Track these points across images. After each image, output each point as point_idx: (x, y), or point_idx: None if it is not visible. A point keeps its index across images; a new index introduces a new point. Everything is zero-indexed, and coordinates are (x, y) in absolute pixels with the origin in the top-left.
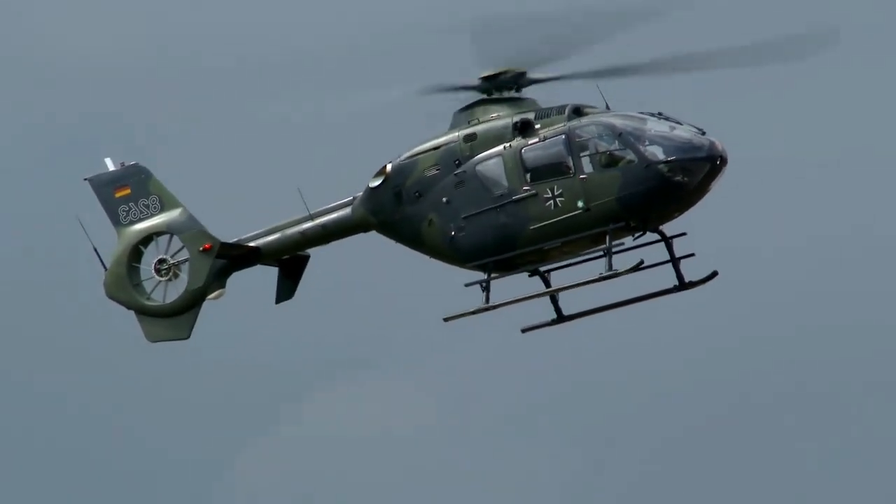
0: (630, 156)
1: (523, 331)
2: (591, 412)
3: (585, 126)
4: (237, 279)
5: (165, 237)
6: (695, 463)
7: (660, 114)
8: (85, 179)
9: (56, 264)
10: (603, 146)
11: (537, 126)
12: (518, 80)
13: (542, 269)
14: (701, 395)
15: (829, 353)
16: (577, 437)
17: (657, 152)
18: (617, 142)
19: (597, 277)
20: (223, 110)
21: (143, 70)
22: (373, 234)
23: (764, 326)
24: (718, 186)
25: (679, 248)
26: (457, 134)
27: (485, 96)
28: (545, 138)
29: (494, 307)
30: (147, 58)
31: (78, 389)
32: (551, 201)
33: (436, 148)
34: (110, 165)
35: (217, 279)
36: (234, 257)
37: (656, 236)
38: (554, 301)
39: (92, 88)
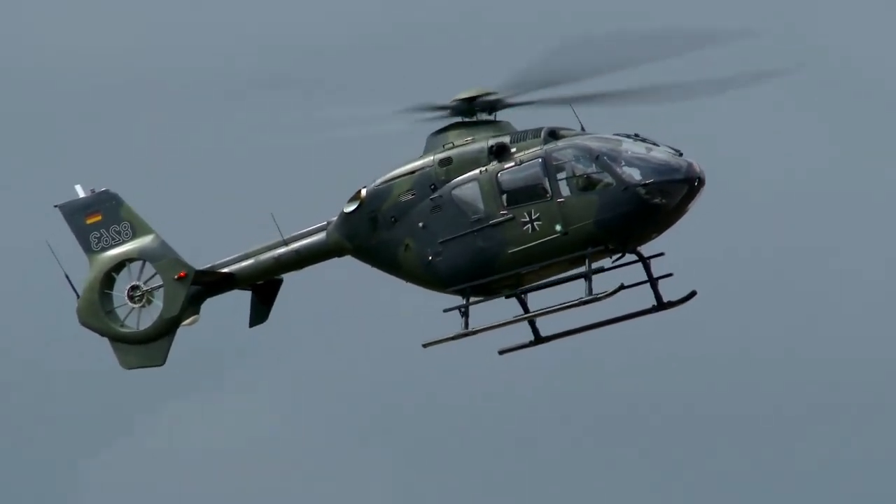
0: (607, 178)
1: (501, 352)
2: (571, 432)
3: (562, 149)
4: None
5: (138, 263)
6: (675, 480)
7: (636, 135)
8: (55, 206)
9: (27, 292)
10: (580, 169)
11: (513, 150)
12: (492, 104)
13: (521, 291)
14: (680, 413)
15: (809, 372)
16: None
17: (634, 174)
18: (594, 164)
19: (577, 302)
20: (194, 134)
21: (112, 91)
22: (348, 258)
23: (744, 345)
24: (696, 206)
25: (657, 268)
26: (432, 158)
27: (459, 119)
28: (521, 162)
29: (474, 332)
30: (115, 78)
31: (50, 415)
32: (529, 225)
33: (411, 172)
34: (80, 192)
35: (191, 305)
36: (208, 283)
37: (634, 257)
38: (531, 323)
39: (60, 108)
